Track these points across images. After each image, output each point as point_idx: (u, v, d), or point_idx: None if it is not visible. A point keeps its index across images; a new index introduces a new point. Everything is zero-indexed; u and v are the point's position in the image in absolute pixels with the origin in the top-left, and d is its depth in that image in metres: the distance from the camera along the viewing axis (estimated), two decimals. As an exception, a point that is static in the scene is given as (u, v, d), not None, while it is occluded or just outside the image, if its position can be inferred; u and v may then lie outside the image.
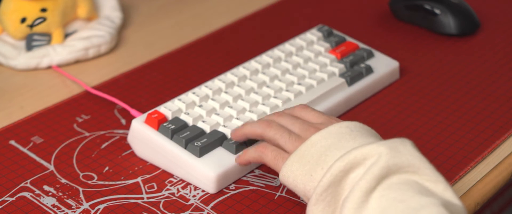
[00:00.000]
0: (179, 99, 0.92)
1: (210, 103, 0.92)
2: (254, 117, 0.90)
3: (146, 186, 0.86)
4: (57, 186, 0.86)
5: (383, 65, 1.03)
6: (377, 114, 0.98)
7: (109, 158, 0.90)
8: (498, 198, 1.02)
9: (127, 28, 1.17)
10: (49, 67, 1.07)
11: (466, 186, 0.86)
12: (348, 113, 0.98)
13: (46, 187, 0.86)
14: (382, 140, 0.77)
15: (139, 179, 0.87)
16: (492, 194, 0.87)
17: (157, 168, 0.89)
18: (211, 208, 0.83)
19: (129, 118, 0.96)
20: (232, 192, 0.85)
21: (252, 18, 1.20)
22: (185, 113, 0.90)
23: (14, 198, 0.84)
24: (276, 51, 1.02)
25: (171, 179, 0.87)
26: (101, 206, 0.83)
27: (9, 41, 1.09)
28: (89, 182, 0.86)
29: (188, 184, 0.86)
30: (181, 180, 0.87)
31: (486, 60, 1.09)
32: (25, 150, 0.91)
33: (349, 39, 1.07)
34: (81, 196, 0.84)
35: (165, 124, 0.88)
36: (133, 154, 0.91)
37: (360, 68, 1.00)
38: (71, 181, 0.87)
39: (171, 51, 1.11)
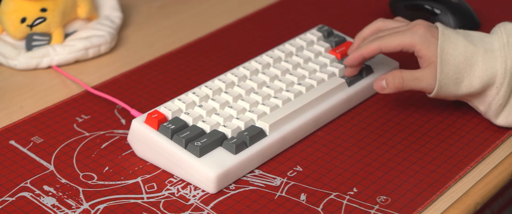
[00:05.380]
0: (179, 99, 0.92)
1: (210, 103, 0.92)
2: (254, 117, 0.90)
3: (146, 186, 0.86)
4: (57, 186, 0.86)
5: (383, 65, 1.03)
6: (377, 114, 0.98)
7: (109, 158, 0.90)
8: (498, 198, 1.02)
9: (127, 28, 1.17)
10: (49, 67, 1.07)
11: (466, 186, 0.86)
12: (348, 113, 0.98)
13: (46, 187, 0.86)
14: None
15: (139, 179, 0.87)
16: (492, 194, 0.87)
17: (157, 168, 0.89)
18: (211, 208, 0.83)
19: (129, 118, 0.96)
20: (232, 192, 0.85)
21: (252, 18, 1.20)
22: (185, 113, 0.90)
23: (14, 198, 0.84)
24: (276, 51, 1.02)
25: (171, 179, 0.87)
26: (101, 206, 0.83)
27: (9, 41, 1.09)
28: (89, 182, 0.86)
29: (188, 184, 0.86)
30: (181, 180, 0.87)
31: (486, 60, 1.09)
32: (25, 150, 0.91)
33: (349, 39, 1.07)
34: (81, 196, 0.84)
35: (165, 124, 0.88)
36: (133, 154, 0.91)
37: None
38: (71, 181, 0.87)
39: (171, 51, 1.11)
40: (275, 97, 0.94)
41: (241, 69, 0.98)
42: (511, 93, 0.92)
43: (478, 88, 0.92)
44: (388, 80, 0.93)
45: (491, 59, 0.91)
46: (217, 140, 0.87)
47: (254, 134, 0.88)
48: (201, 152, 0.85)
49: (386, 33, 0.95)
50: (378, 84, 0.94)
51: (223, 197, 0.85)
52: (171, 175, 0.88)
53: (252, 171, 0.88)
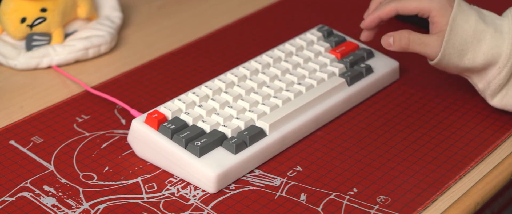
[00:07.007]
0: (179, 99, 0.92)
1: (210, 103, 0.92)
2: (254, 117, 0.90)
3: (146, 186, 0.86)
4: (57, 186, 0.86)
5: (383, 65, 1.03)
6: (377, 114, 0.98)
7: (109, 158, 0.90)
8: (498, 198, 1.02)
9: (127, 28, 1.17)
10: (49, 67, 1.07)
11: (466, 186, 0.86)
12: (348, 113, 0.98)
13: (46, 187, 0.86)
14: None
15: (139, 179, 0.87)
16: (492, 194, 0.87)
17: (157, 168, 0.89)
18: (211, 208, 0.83)
19: (129, 118, 0.96)
20: (232, 192, 0.85)
21: (252, 18, 1.20)
22: (185, 113, 0.90)
23: (14, 198, 0.84)
24: (276, 51, 1.02)
25: (171, 179, 0.87)
26: (101, 206, 0.83)
27: (9, 41, 1.09)
28: (89, 182, 0.86)
29: (188, 184, 0.86)
30: (181, 180, 0.87)
31: (486, 60, 1.09)
32: (25, 150, 0.91)
33: (349, 39, 1.07)
34: (81, 196, 0.84)
35: (165, 124, 0.88)
36: (133, 154, 0.91)
37: (360, 68, 1.00)
38: (71, 181, 0.87)
39: (171, 51, 1.11)
40: (275, 97, 0.94)
41: (241, 69, 0.98)
42: (511, 76, 0.94)
43: (481, 64, 0.93)
44: (395, 39, 0.95)
45: (499, 39, 0.92)
46: (217, 139, 0.87)
47: (254, 133, 0.88)
48: (201, 151, 0.85)
49: None
50: (385, 40, 0.96)
51: (223, 197, 0.85)
52: (171, 175, 0.88)
53: (252, 171, 0.88)
